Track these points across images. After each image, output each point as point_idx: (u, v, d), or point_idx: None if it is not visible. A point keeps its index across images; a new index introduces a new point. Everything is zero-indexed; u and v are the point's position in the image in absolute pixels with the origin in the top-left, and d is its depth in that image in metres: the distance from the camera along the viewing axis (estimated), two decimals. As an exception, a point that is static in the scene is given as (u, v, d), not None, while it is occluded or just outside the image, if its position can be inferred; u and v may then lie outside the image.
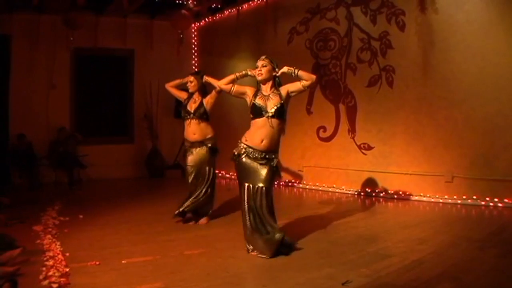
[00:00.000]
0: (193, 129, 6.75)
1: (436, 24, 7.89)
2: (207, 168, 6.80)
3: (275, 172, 5.19)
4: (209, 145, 6.78)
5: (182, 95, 6.98)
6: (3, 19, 10.62)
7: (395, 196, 8.35)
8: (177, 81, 7.07)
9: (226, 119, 10.71)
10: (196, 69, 12.66)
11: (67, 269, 4.42)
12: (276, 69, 5.18)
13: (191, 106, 6.78)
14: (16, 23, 10.91)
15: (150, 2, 11.39)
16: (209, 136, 6.80)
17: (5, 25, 10.72)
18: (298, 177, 10.16)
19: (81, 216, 7.07)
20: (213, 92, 6.64)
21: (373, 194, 8.67)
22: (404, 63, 8.33)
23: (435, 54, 7.92)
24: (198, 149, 6.78)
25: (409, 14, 8.22)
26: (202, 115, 6.72)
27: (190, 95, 6.89)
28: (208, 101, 6.73)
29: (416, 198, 8.10)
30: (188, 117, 6.77)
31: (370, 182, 8.80)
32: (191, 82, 6.83)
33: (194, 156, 6.80)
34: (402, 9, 8.31)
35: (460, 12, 7.63)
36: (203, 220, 6.78)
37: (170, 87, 7.07)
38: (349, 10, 9.17)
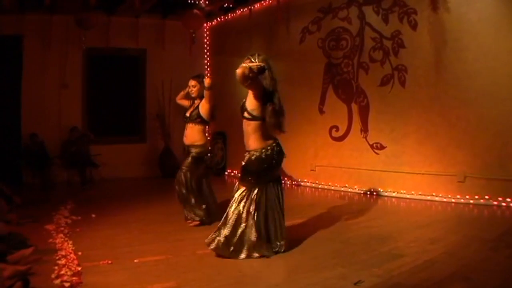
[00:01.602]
0: (187, 133, 6.73)
1: (448, 23, 7.84)
2: (188, 175, 6.65)
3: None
4: (193, 152, 6.68)
5: (188, 104, 6.97)
6: (15, 19, 10.68)
7: (407, 196, 8.31)
8: (182, 93, 7.08)
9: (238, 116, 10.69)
10: (208, 69, 12.69)
11: (79, 268, 4.46)
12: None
13: (189, 111, 6.79)
14: (28, 23, 10.94)
15: (162, 2, 11.38)
16: (196, 143, 6.66)
17: (17, 25, 10.77)
18: (310, 176, 10.16)
19: (93, 215, 7.11)
20: (204, 92, 6.52)
21: (385, 193, 8.65)
22: (417, 63, 8.28)
23: (447, 53, 7.87)
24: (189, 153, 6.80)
25: (421, 13, 8.17)
26: (195, 118, 6.63)
27: (193, 101, 6.85)
28: (202, 103, 6.61)
29: (428, 198, 8.05)
30: (185, 121, 6.79)
31: (382, 182, 8.77)
32: (194, 86, 6.73)
33: (185, 159, 6.81)
34: (414, 8, 8.26)
35: (472, 10, 7.57)
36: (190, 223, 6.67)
37: (179, 100, 7.13)
38: (361, 9, 9.14)
